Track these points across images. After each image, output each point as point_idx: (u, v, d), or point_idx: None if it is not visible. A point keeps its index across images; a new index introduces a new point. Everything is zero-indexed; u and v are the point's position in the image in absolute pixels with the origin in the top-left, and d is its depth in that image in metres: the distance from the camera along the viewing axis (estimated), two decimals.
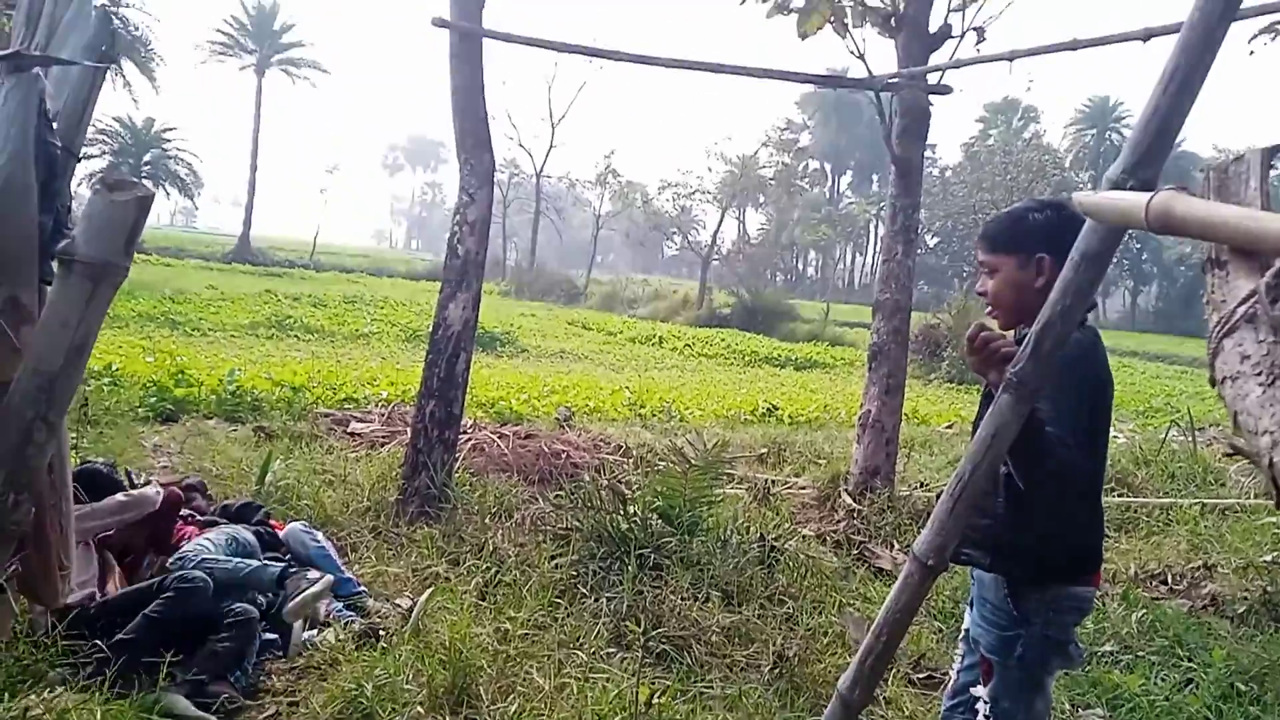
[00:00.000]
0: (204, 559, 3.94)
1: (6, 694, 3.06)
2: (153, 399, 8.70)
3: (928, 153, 7.89)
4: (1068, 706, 3.91)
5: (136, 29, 37.49)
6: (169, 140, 46.81)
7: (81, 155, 3.28)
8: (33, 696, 3.05)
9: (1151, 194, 1.50)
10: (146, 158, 45.12)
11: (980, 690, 2.46)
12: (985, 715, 2.43)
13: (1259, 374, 1.18)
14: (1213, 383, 1.35)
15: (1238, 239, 1.26)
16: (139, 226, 2.30)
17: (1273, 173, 1.58)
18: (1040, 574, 2.37)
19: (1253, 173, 1.47)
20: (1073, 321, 2.13)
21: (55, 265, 2.60)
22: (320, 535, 4.86)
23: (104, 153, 43.38)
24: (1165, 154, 2.00)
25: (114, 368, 9.84)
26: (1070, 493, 2.26)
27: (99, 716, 3.01)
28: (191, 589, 3.64)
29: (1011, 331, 2.56)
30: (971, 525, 2.33)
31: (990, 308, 2.55)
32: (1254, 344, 1.23)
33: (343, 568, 4.70)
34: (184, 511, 4.60)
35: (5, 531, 1.82)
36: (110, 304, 2.34)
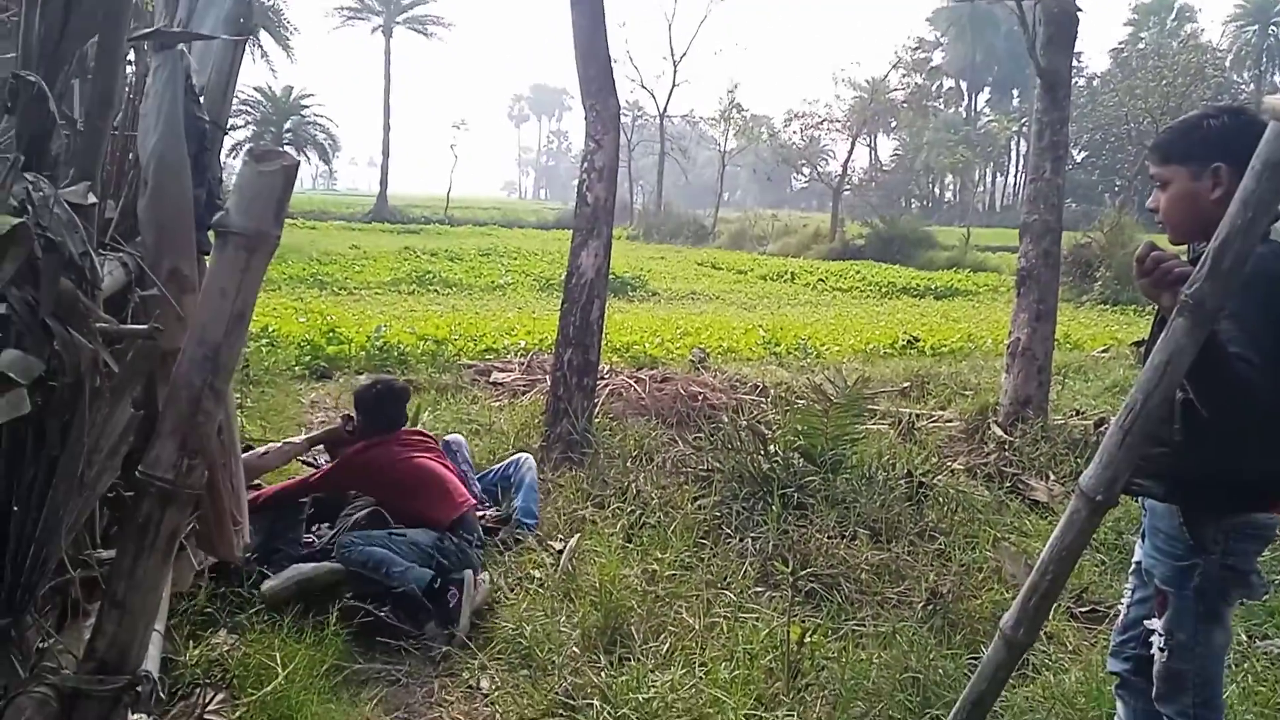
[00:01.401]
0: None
1: (190, 641, 3.29)
2: (307, 358, 9.13)
3: (1074, 62, 7.41)
4: (1244, 638, 3.71)
5: (270, 0, 38.81)
6: (307, 107, 48.60)
7: (228, 127, 3.40)
8: (215, 640, 3.27)
9: None
10: (287, 125, 46.99)
11: (1155, 623, 2.35)
12: (1160, 649, 2.32)
13: None
14: None
15: None
16: (287, 195, 2.36)
17: None
18: (1218, 501, 2.24)
19: None
20: (1255, 236, 1.96)
21: (211, 237, 2.73)
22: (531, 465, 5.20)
23: (247, 123, 45.39)
24: None
25: (270, 330, 10.34)
26: (1254, 416, 2.10)
27: (278, 657, 3.21)
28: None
29: (1184, 248, 2.38)
30: (1144, 455, 2.20)
31: (1162, 224, 2.37)
32: None
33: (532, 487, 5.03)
34: None
35: (181, 494, 1.91)
36: (265, 271, 2.42)
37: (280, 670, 3.13)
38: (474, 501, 4.52)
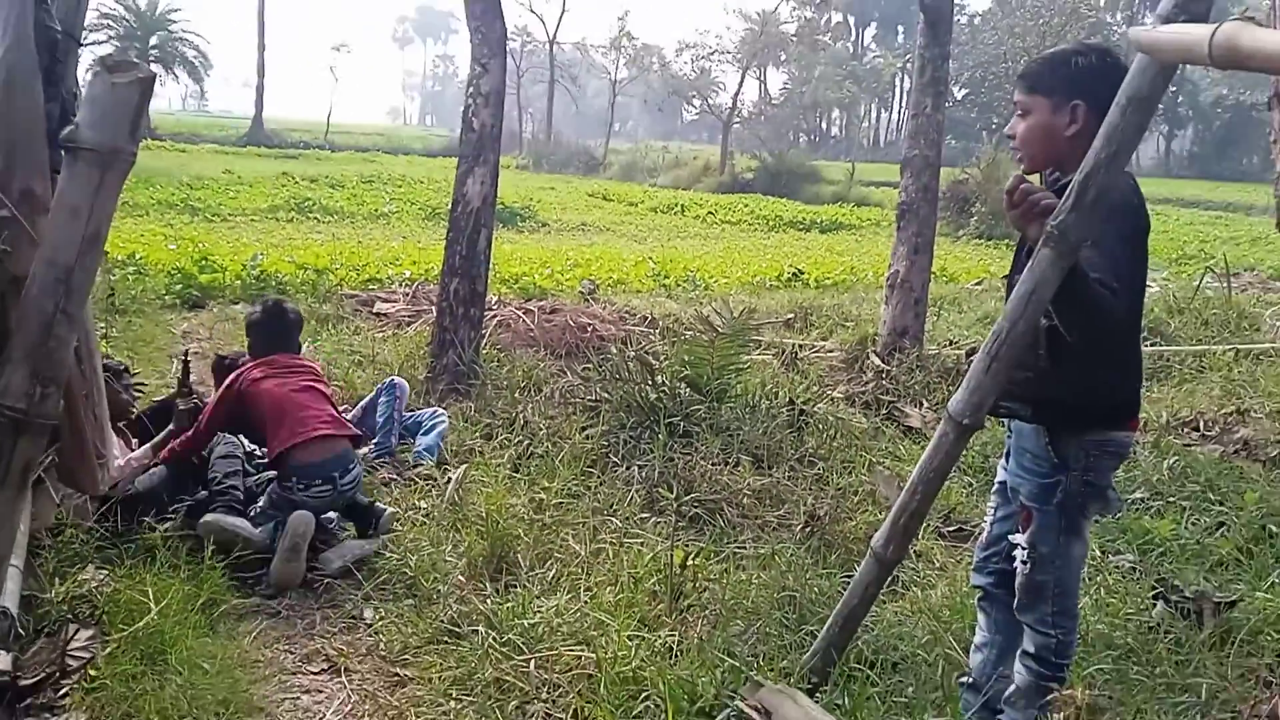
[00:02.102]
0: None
1: (57, 578, 3.16)
2: (178, 286, 8.74)
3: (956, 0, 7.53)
4: (1098, 553, 3.94)
5: None
6: (174, 22, 45.73)
7: (86, 41, 3.17)
8: (82, 576, 3.15)
9: (1216, 25, 1.39)
10: (153, 41, 44.19)
11: (1019, 538, 2.48)
12: (1024, 560, 2.45)
13: None
14: None
15: None
16: (143, 109, 2.23)
17: None
18: (1081, 421, 2.36)
19: None
20: (1118, 170, 2.05)
21: (63, 155, 2.56)
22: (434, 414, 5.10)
23: (110, 38, 42.50)
24: None
25: (137, 256, 9.85)
26: (1115, 339, 2.22)
27: (150, 593, 3.12)
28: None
29: (1037, 177, 2.48)
30: (1012, 380, 2.30)
31: (1016, 150, 2.46)
32: None
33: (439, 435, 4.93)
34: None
35: (35, 424, 1.82)
36: (121, 191, 2.29)
37: (153, 605, 3.04)
38: (322, 433, 3.92)
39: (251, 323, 4.35)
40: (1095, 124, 2.19)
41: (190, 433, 4.01)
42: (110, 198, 2.12)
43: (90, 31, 43.33)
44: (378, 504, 4.02)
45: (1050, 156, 2.41)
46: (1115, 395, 2.40)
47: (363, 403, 5.20)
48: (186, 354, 4.78)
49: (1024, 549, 2.45)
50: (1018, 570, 2.48)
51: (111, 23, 42.55)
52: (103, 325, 6.45)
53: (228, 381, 4.07)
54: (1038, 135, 2.40)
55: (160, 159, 27.60)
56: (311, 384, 4.10)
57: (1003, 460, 2.62)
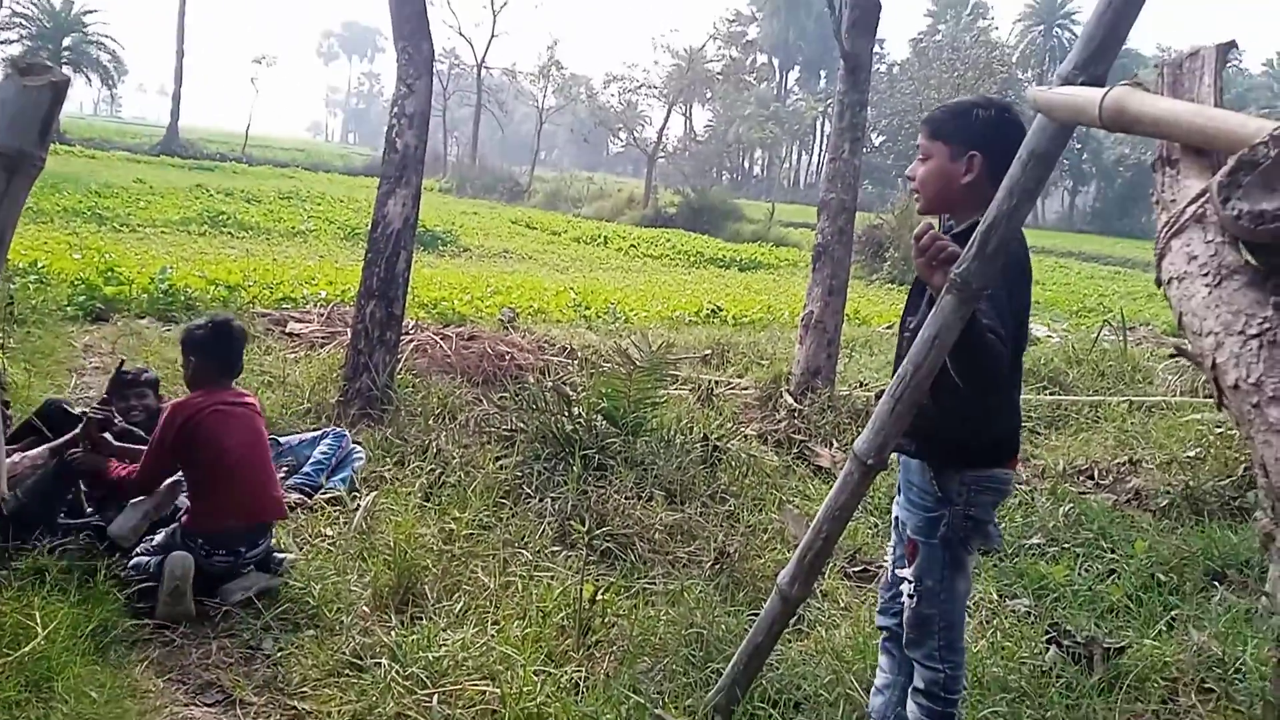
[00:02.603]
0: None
1: None
2: (82, 297, 8.44)
3: (876, 49, 7.77)
4: (995, 596, 4.05)
5: None
6: (89, 24, 44.38)
7: None
8: None
9: (1106, 89, 1.47)
10: (66, 42, 42.89)
11: (905, 571, 2.55)
12: (910, 595, 2.52)
13: (1205, 275, 1.18)
14: (1159, 283, 1.34)
15: (1191, 137, 1.25)
16: (54, 114, 2.17)
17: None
18: (963, 458, 2.46)
19: (1207, 69, 1.44)
20: (1018, 222, 2.13)
21: None
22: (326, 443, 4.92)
23: (20, 38, 41.08)
24: (1117, 49, 1.97)
25: (39, 265, 9.48)
26: (1000, 383, 2.32)
27: (38, 616, 2.98)
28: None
29: (936, 220, 2.59)
30: None
31: (915, 192, 2.60)
32: (1202, 244, 1.22)
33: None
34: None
35: None
36: (28, 197, 2.22)
37: (40, 630, 2.91)
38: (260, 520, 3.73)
39: (197, 343, 3.79)
40: (988, 174, 2.35)
41: (136, 477, 3.69)
42: (15, 203, 2.05)
43: (1, 30, 41.90)
44: (277, 553, 3.78)
45: (945, 200, 2.53)
46: (995, 433, 2.50)
47: (305, 437, 5.03)
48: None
49: (910, 582, 2.53)
50: (904, 604, 2.55)
51: (24, 21, 41.18)
52: (0, 334, 6.18)
53: (173, 419, 3.62)
54: (935, 180, 2.51)
55: (68, 164, 26.67)
56: (259, 438, 3.81)
57: (896, 495, 2.70)
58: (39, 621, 2.95)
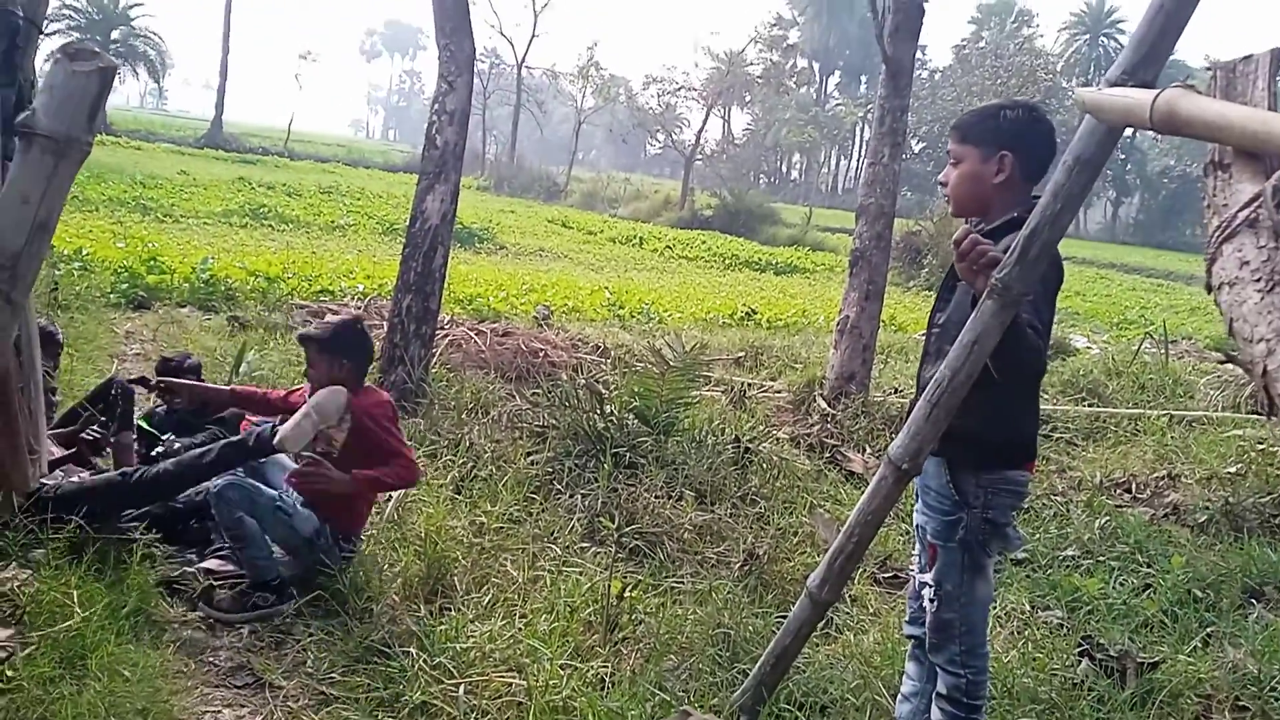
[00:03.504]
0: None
1: None
2: (124, 285, 8.58)
3: (918, 54, 7.72)
4: (1028, 607, 4.01)
5: None
6: (136, 18, 45.14)
7: (46, 31, 3.13)
8: (3, 575, 3.05)
9: (1158, 91, 1.45)
10: (114, 35, 43.62)
11: (926, 576, 2.53)
12: (930, 599, 2.51)
13: (1258, 280, 1.15)
14: (1209, 289, 1.32)
15: (1244, 140, 1.22)
16: (101, 100, 2.20)
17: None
18: (980, 459, 2.45)
19: (1261, 73, 1.42)
20: (1062, 227, 2.11)
21: (17, 141, 2.50)
22: None
23: (69, 29, 41.85)
24: (1167, 54, 1.94)
25: (84, 252, 9.65)
26: (1041, 376, 2.31)
27: (75, 596, 3.03)
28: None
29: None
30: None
31: (948, 197, 2.60)
32: (1254, 249, 1.20)
33: None
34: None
35: None
36: (73, 181, 2.26)
37: (78, 609, 2.96)
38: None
39: (351, 345, 3.71)
40: (1020, 174, 2.41)
41: (392, 474, 3.59)
42: (62, 187, 2.09)
43: (50, 21, 42.66)
44: None
45: (979, 202, 2.52)
46: (1015, 435, 2.48)
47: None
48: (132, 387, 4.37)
49: (930, 586, 2.51)
50: (926, 609, 2.53)
51: (73, 13, 41.92)
52: (44, 320, 6.30)
53: (385, 410, 3.65)
54: (967, 182, 2.52)
55: (114, 155, 27.11)
56: None
57: (916, 504, 2.68)
58: (76, 600, 3.00)
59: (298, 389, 3.89)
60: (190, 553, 3.71)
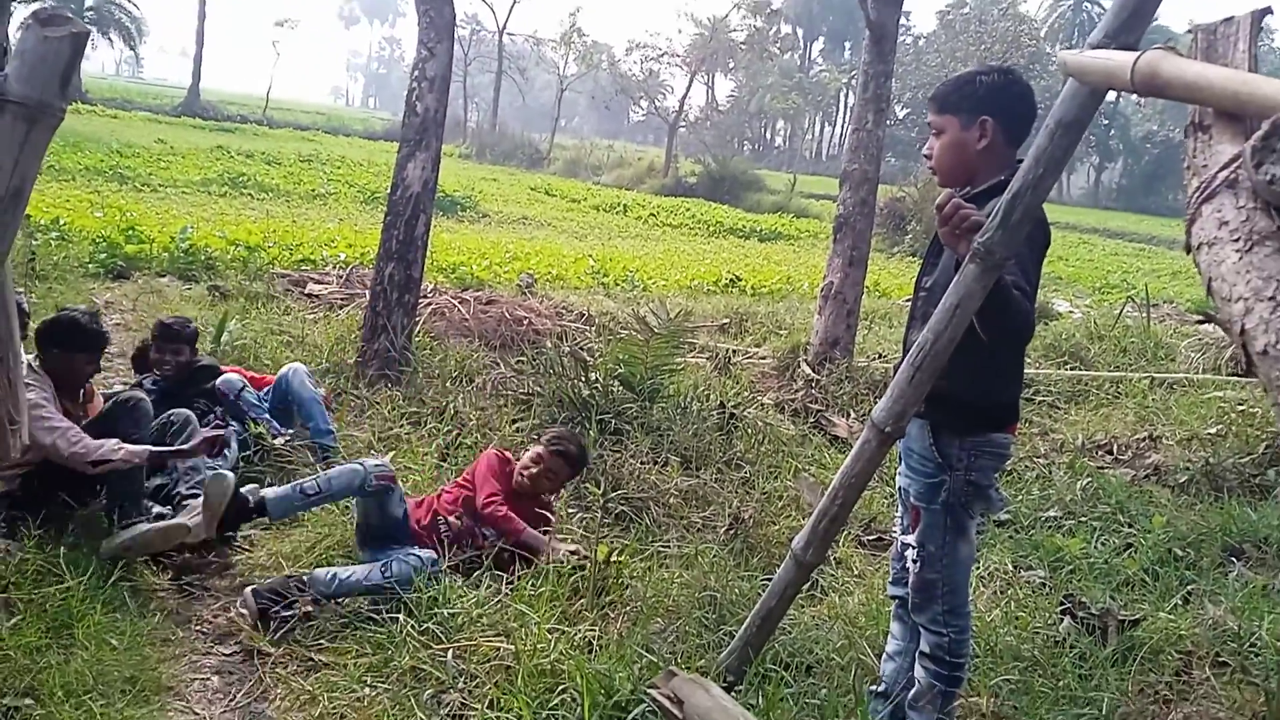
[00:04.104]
0: None
1: None
2: (103, 255, 8.49)
3: (902, 19, 7.68)
4: (1011, 567, 4.05)
5: None
6: None
7: None
8: None
9: (1138, 53, 1.44)
10: (88, 2, 42.79)
11: (909, 537, 2.56)
12: (913, 560, 2.54)
13: (1236, 240, 1.16)
14: (1188, 249, 1.33)
15: (1224, 101, 1.23)
16: (74, 65, 2.17)
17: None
18: (964, 421, 2.46)
19: (1241, 35, 1.42)
20: (1044, 191, 2.11)
21: None
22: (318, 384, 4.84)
23: None
24: (1149, 17, 1.94)
25: (61, 222, 9.55)
26: (1028, 339, 2.34)
27: (63, 564, 3.03)
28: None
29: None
30: None
31: (933, 169, 2.59)
32: (1233, 210, 1.21)
33: (329, 419, 4.66)
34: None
35: None
36: (47, 148, 2.23)
37: (67, 577, 2.96)
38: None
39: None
40: (1003, 137, 2.41)
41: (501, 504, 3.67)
42: (36, 154, 2.06)
43: None
44: None
45: (964, 169, 2.51)
46: (998, 398, 2.50)
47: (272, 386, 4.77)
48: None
49: (914, 548, 2.55)
50: (909, 569, 2.56)
51: None
52: (21, 290, 6.23)
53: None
54: (951, 151, 2.51)
55: (90, 124, 26.74)
56: None
57: (899, 466, 2.70)
58: (64, 569, 3.00)
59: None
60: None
